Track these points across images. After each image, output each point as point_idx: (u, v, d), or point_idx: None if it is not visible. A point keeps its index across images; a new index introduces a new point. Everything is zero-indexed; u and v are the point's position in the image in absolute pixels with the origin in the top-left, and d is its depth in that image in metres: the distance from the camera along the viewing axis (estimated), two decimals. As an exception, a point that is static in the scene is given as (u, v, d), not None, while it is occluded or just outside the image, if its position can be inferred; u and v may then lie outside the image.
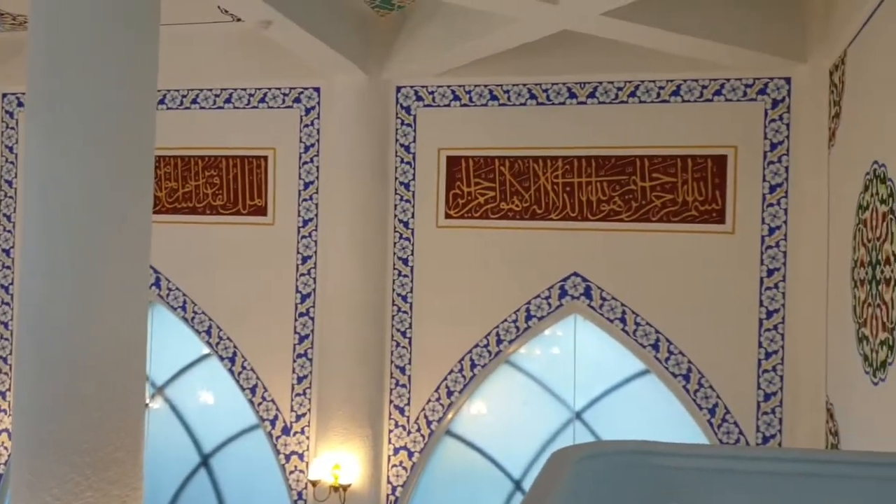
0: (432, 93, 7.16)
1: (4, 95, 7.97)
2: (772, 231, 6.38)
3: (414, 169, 7.21)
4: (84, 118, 3.71)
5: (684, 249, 6.55)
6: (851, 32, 5.14)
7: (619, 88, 6.69)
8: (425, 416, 7.15)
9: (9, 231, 7.97)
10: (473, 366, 7.03)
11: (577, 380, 7.03)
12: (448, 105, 7.13)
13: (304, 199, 7.42)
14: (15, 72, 7.75)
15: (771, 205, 6.40)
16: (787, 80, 6.34)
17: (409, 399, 7.20)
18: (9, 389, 7.93)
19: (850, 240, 5.05)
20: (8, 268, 7.96)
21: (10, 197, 7.96)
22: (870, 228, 4.63)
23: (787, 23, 5.99)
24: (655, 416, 6.83)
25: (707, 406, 6.52)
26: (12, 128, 7.96)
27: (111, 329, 3.80)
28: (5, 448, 7.91)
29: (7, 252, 7.96)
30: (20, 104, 7.96)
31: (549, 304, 6.89)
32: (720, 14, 5.73)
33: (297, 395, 7.39)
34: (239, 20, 6.94)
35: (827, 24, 5.83)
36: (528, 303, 6.92)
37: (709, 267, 6.50)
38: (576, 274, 6.82)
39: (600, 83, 6.76)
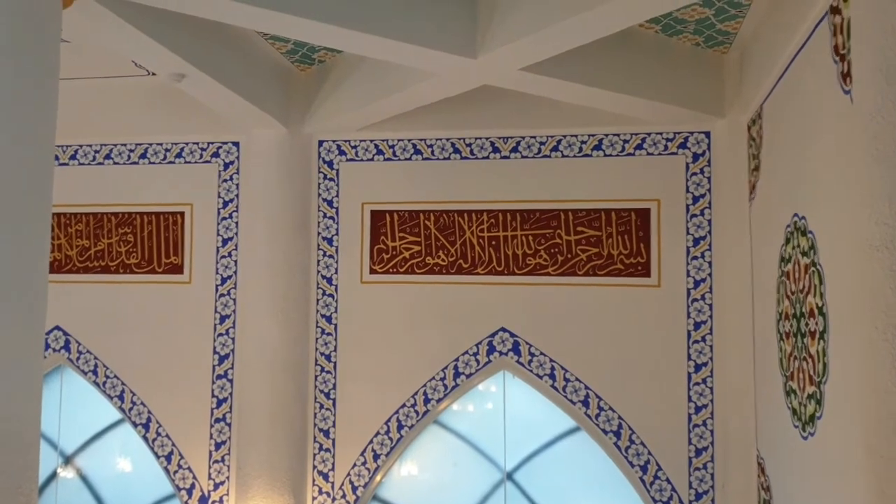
0: (355, 147, 7.04)
1: None
2: (697, 284, 6.40)
3: (337, 224, 7.04)
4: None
5: (611, 303, 6.51)
6: (766, 88, 5.24)
7: (542, 143, 6.69)
8: (350, 482, 6.85)
9: None
10: (401, 427, 6.80)
11: (507, 438, 6.85)
12: (371, 159, 7.02)
13: (223, 256, 7.16)
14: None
15: (695, 258, 6.42)
16: (707, 135, 6.43)
17: (333, 464, 6.91)
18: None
19: (774, 292, 5.06)
20: None
21: None
22: (792, 280, 4.64)
23: (706, 78, 6.09)
24: (587, 474, 6.69)
25: (639, 463, 6.41)
26: None
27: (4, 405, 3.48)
28: None
29: None
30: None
31: (478, 361, 6.73)
32: (640, 70, 5.79)
33: (216, 461, 7.02)
34: (153, 74, 6.74)
35: (742, 80, 5.95)
36: (457, 360, 6.76)
37: (636, 321, 6.46)
38: (503, 329, 6.70)
39: (523, 138, 6.74)
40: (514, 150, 6.73)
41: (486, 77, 5.41)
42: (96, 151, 7.27)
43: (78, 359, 7.26)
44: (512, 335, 6.68)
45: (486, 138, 6.77)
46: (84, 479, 7.41)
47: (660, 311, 6.43)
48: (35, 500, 3.67)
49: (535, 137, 6.70)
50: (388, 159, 6.97)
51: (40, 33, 3.68)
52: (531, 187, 6.68)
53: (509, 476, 6.84)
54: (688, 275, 6.41)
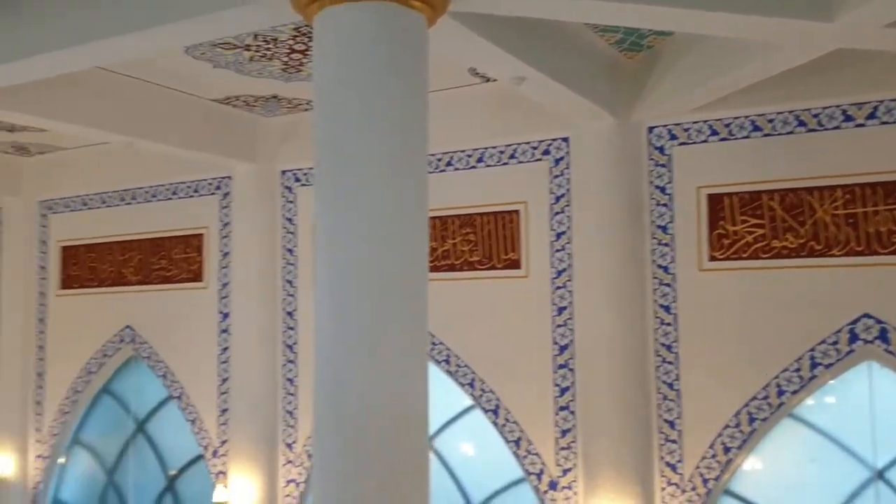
0: (687, 130, 6.85)
1: (284, 172, 8.76)
2: None
3: (671, 211, 6.91)
4: (364, 187, 3.90)
5: None
6: None
7: (907, 105, 5.99)
8: (700, 474, 6.68)
9: (291, 295, 8.67)
10: (752, 419, 6.49)
11: (876, 434, 6.23)
12: (705, 141, 6.78)
13: (557, 250, 7.36)
14: (292, 151, 8.53)
15: None
16: None
17: (681, 455, 6.79)
18: (295, 441, 8.53)
19: None
20: (292, 328, 8.64)
21: (292, 264, 8.68)
22: None
23: None
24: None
25: None
26: (291, 201, 8.72)
27: (396, 387, 3.91)
28: (293, 498, 8.49)
29: (291, 314, 8.66)
30: (297, 179, 8.70)
31: (838, 351, 6.21)
32: None
33: (562, 448, 7.24)
34: (487, 81, 7.13)
35: None
36: (812, 349, 6.29)
37: None
38: (867, 315, 6.11)
39: (881, 102, 6.09)
40: (871, 116, 6.10)
41: (843, 40, 4.97)
42: (438, 160, 7.87)
43: (433, 349, 7.90)
44: (878, 321, 6.06)
45: (837, 106, 6.22)
46: (441, 460, 8.04)
47: None
48: (429, 480, 4.07)
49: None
50: (725, 139, 6.69)
51: (411, 52, 4.07)
52: (894, 156, 6.01)
53: (881, 474, 6.22)
54: None
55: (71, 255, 10.29)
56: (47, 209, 10.51)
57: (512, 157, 7.58)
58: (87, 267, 10.12)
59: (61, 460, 10.28)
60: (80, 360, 10.00)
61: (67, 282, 10.30)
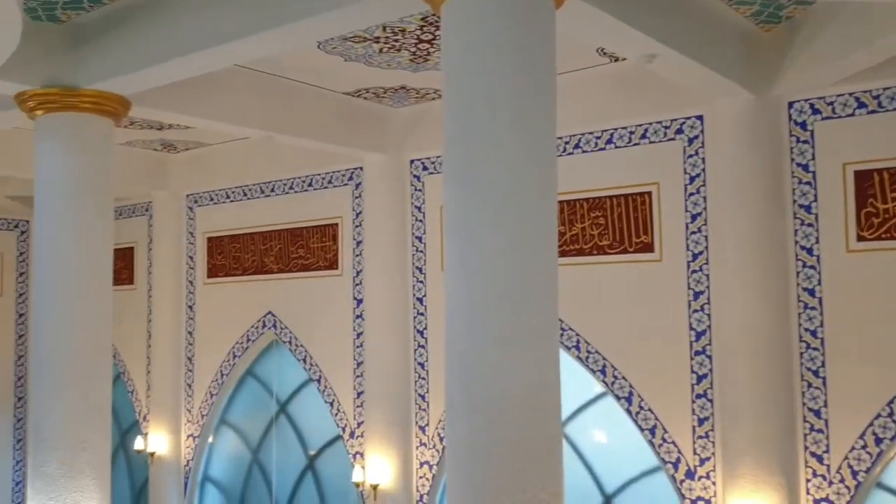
0: (831, 103, 6.48)
1: (412, 161, 8.92)
2: None
3: (815, 189, 6.56)
4: (492, 173, 3.91)
5: None
6: None
7: None
8: (849, 466, 6.34)
9: (421, 281, 8.84)
10: (908, 409, 6.09)
11: None
12: (851, 114, 6.39)
13: (693, 232, 7.14)
14: (420, 139, 8.67)
15: None
16: None
17: (827, 446, 6.46)
18: (427, 424, 8.71)
19: None
20: (422, 314, 8.81)
21: (421, 251, 8.84)
22: None
23: None
24: None
25: None
26: (419, 190, 8.87)
27: (528, 374, 3.92)
28: (427, 480, 8.67)
29: (421, 300, 8.82)
30: (425, 168, 8.83)
31: None
32: None
33: (699, 437, 7.04)
34: (616, 60, 6.99)
35: None
36: (977, 335, 5.83)
37: None
38: None
39: None
40: None
41: None
42: (566, 143, 7.78)
43: (562, 335, 7.85)
44: None
45: None
46: (573, 447, 7.99)
47: None
48: (562, 463, 4.06)
49: None
50: (873, 112, 6.28)
51: (539, 35, 4.04)
52: None
53: None
54: None
55: (216, 245, 10.88)
56: (194, 202, 11.15)
57: (643, 137, 7.40)
58: (231, 256, 10.68)
59: (210, 439, 10.93)
60: (226, 344, 10.57)
61: (213, 271, 10.90)
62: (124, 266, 11.56)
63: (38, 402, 6.26)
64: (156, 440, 11.02)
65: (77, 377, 6.20)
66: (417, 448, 8.75)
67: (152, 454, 11.01)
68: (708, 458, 6.96)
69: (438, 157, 8.62)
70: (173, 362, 11.12)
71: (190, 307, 11.12)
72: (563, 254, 7.86)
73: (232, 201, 10.69)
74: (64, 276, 6.25)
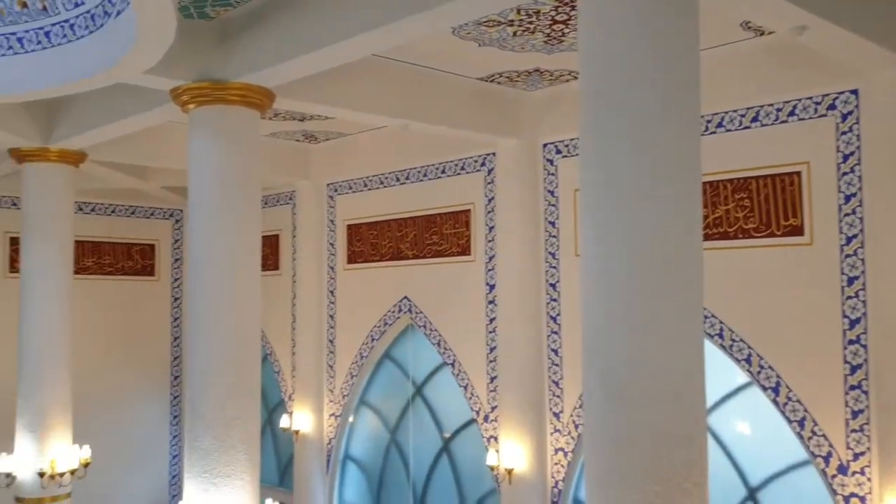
0: None
1: (545, 145, 8.84)
2: None
3: None
4: (632, 154, 3.82)
5: None
6: None
7: None
8: None
9: (554, 267, 8.77)
10: None
11: None
12: None
13: (846, 214, 6.71)
14: (553, 123, 8.58)
15: None
16: None
17: None
18: (562, 411, 8.65)
19: None
20: (555, 300, 8.74)
21: (554, 236, 8.76)
22: None
23: None
24: None
25: None
26: (552, 174, 8.78)
27: (670, 361, 3.81)
28: (562, 466, 8.62)
29: (554, 286, 8.76)
30: (558, 151, 8.74)
31: None
32: None
33: (853, 430, 6.63)
34: (761, 34, 6.65)
35: None
36: None
37: None
38: None
39: None
40: None
41: None
42: (708, 121, 7.48)
43: (703, 322, 7.57)
44: None
45: None
46: (716, 438, 7.71)
47: None
48: (706, 453, 3.94)
49: None
50: None
51: (680, 11, 3.90)
52: None
53: None
54: None
55: (355, 232, 11.21)
56: (333, 191, 11.52)
57: (791, 114, 7.01)
58: (368, 243, 10.97)
59: (350, 419, 11.30)
60: (365, 328, 10.89)
61: (352, 257, 11.24)
62: (270, 253, 12.10)
63: (194, 381, 6.65)
64: (300, 419, 11.52)
65: (229, 358, 6.56)
66: (552, 434, 8.71)
67: (297, 432, 11.51)
68: (863, 453, 6.55)
69: (572, 139, 8.50)
70: (315, 344, 11.57)
71: (331, 292, 11.52)
72: (706, 237, 7.45)
73: (369, 189, 10.97)
74: (216, 261, 6.61)
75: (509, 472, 8.71)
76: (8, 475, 8.98)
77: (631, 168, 3.81)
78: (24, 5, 6.38)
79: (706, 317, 7.40)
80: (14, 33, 6.48)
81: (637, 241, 3.80)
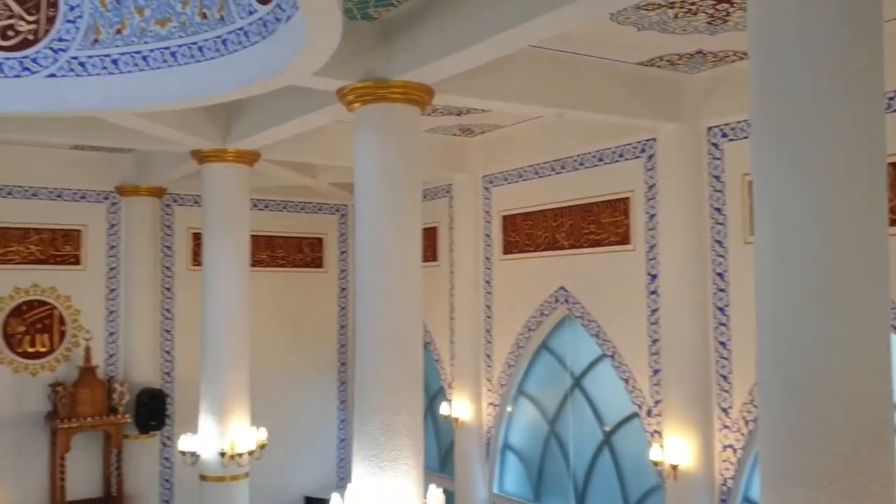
0: None
1: (710, 129, 8.49)
2: None
3: None
4: (810, 135, 3.61)
5: None
6: None
7: None
8: None
9: (721, 255, 8.42)
10: None
11: None
12: None
13: None
14: (718, 105, 8.24)
15: None
16: None
17: None
18: (730, 406, 8.32)
19: None
20: (723, 290, 8.40)
21: (721, 223, 8.41)
22: None
23: None
24: None
25: None
26: (718, 158, 8.43)
27: (852, 354, 3.59)
28: (731, 463, 8.29)
29: (721, 275, 8.42)
30: (724, 135, 8.38)
31: None
32: None
33: None
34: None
35: None
36: None
37: None
38: None
39: None
40: None
41: None
42: (890, 98, 6.93)
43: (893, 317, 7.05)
44: None
45: None
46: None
47: None
48: (892, 450, 3.67)
49: None
50: None
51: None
52: None
53: None
54: None
55: (510, 223, 11.26)
56: (489, 183, 11.62)
57: None
58: (524, 233, 10.99)
59: (508, 409, 11.39)
60: (521, 318, 10.93)
61: (508, 247, 11.30)
62: (429, 244, 12.36)
63: (362, 369, 6.93)
64: (459, 406, 11.73)
65: (394, 347, 6.79)
66: (720, 430, 8.39)
67: (457, 419, 11.73)
68: None
69: (739, 122, 8.12)
70: (473, 334, 11.74)
71: (487, 282, 11.64)
72: (891, 223, 7.03)
73: (525, 180, 10.98)
74: (381, 254, 6.85)
75: (674, 468, 8.48)
76: (193, 454, 9.71)
77: (808, 151, 3.60)
78: (204, 16, 6.87)
79: (893, 307, 6.86)
80: (195, 43, 7.00)
81: (816, 227, 3.59)
